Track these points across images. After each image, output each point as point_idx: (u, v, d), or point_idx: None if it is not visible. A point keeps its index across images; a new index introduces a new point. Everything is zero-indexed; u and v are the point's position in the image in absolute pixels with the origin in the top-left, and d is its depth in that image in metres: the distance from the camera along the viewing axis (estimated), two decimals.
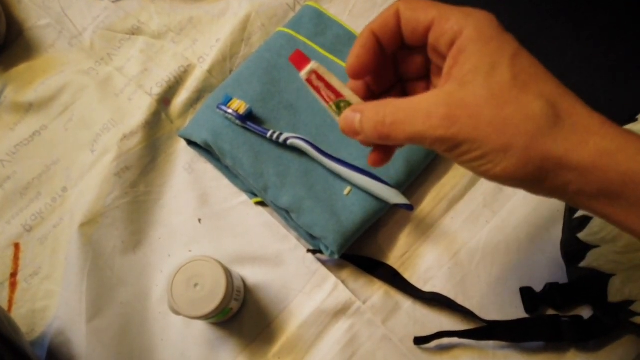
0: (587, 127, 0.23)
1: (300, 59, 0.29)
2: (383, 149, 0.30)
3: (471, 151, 0.23)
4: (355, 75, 0.29)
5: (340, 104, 0.29)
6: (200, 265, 0.39)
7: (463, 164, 0.25)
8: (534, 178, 0.23)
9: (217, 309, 0.38)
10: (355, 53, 0.28)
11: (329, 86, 0.29)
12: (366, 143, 0.28)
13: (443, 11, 0.26)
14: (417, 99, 0.25)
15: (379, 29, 0.28)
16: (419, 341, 0.42)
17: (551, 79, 0.25)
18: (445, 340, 0.43)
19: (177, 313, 0.39)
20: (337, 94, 0.29)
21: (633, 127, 0.39)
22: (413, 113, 0.25)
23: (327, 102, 0.29)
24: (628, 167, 0.22)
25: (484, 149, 0.23)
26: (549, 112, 0.23)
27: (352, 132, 0.28)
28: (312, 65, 0.29)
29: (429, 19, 0.26)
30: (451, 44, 0.25)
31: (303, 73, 0.29)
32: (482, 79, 0.24)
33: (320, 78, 0.29)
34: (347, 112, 0.28)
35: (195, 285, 0.39)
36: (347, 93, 0.29)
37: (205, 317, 0.39)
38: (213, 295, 0.38)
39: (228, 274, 0.40)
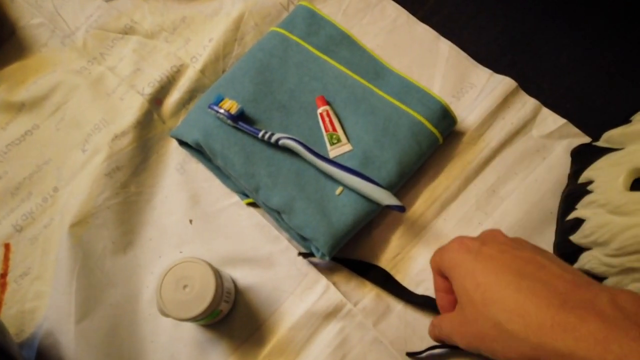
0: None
1: (322, 101, 0.48)
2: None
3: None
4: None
5: (333, 135, 0.46)
6: (189, 267, 0.39)
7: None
8: None
9: (205, 311, 0.38)
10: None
11: (331, 122, 0.47)
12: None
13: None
14: (448, 317, 0.35)
15: None
16: (412, 355, 0.42)
17: None
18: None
19: (165, 315, 0.39)
20: (333, 129, 0.46)
21: (626, 128, 0.39)
22: (449, 330, 0.35)
23: (326, 131, 0.47)
24: None
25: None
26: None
27: (434, 336, 0.39)
28: (326, 107, 0.47)
29: None
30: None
31: (320, 110, 0.47)
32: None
33: (328, 115, 0.47)
34: (433, 322, 0.39)
35: (185, 287, 0.38)
36: (340, 131, 0.47)
37: (194, 319, 0.38)
38: (202, 297, 0.38)
39: (218, 275, 0.40)
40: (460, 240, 0.35)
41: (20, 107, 0.53)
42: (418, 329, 0.43)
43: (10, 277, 0.48)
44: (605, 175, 0.38)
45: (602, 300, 0.26)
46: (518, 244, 0.33)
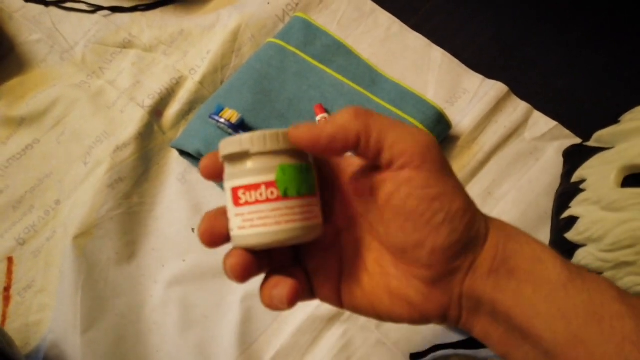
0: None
1: (320, 109, 0.49)
2: None
3: None
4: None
5: None
6: None
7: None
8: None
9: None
10: None
11: None
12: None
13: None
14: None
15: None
16: (415, 357, 0.43)
17: None
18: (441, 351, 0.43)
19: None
20: None
21: (615, 128, 0.40)
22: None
23: None
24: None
25: None
26: None
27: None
28: (324, 114, 0.48)
29: None
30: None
31: (318, 117, 0.48)
32: None
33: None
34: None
35: None
36: None
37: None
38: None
39: None
40: None
41: (20, 122, 0.54)
42: (420, 330, 0.44)
43: (13, 291, 0.48)
44: (597, 173, 0.39)
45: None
46: None
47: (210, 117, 0.47)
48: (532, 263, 0.24)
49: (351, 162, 0.28)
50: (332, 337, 0.44)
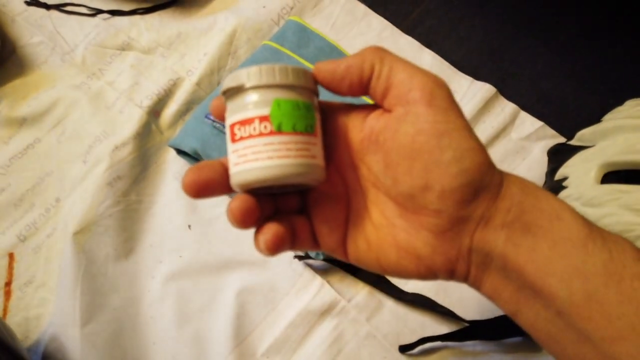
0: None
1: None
2: None
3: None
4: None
5: None
6: None
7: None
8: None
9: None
10: None
11: None
12: None
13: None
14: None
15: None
16: (404, 349, 0.44)
17: None
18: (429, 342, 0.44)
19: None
20: None
21: (596, 127, 0.42)
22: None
23: None
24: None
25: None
26: None
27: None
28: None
29: None
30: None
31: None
32: None
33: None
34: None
35: None
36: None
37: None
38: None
39: None
40: None
41: (21, 122, 0.55)
42: (410, 322, 0.45)
43: (14, 286, 0.49)
44: (578, 171, 0.40)
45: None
46: None
47: (206, 117, 0.49)
48: (550, 219, 0.23)
49: (357, 119, 0.27)
50: (324, 331, 0.45)
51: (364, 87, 0.25)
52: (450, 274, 0.25)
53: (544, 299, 0.23)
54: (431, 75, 0.24)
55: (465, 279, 0.25)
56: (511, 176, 0.24)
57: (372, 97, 0.25)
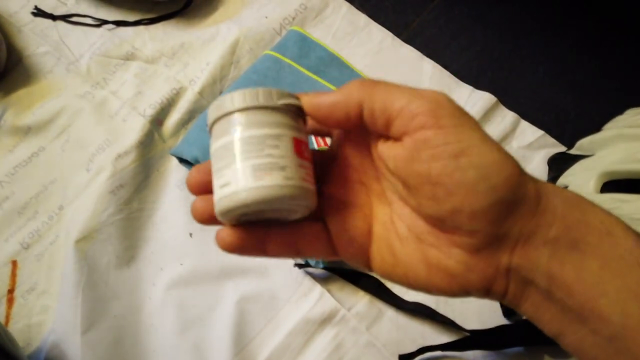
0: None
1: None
2: None
3: None
4: None
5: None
6: None
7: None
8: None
9: None
10: None
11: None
12: None
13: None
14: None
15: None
16: (404, 358, 0.44)
17: None
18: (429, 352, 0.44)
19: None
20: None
21: (595, 136, 0.42)
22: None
23: (317, 146, 0.50)
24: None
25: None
26: None
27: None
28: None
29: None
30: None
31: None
32: None
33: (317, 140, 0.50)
34: None
35: None
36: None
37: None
38: None
39: None
40: None
41: (27, 131, 0.56)
42: (410, 331, 0.45)
43: (17, 293, 0.49)
44: (578, 180, 0.40)
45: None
46: None
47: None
48: (600, 235, 0.21)
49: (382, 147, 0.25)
50: (324, 339, 0.45)
51: (352, 124, 0.24)
52: (486, 293, 0.23)
53: (593, 322, 0.21)
54: (430, 94, 0.22)
55: (502, 297, 0.23)
56: (550, 186, 0.23)
57: (374, 133, 0.24)
